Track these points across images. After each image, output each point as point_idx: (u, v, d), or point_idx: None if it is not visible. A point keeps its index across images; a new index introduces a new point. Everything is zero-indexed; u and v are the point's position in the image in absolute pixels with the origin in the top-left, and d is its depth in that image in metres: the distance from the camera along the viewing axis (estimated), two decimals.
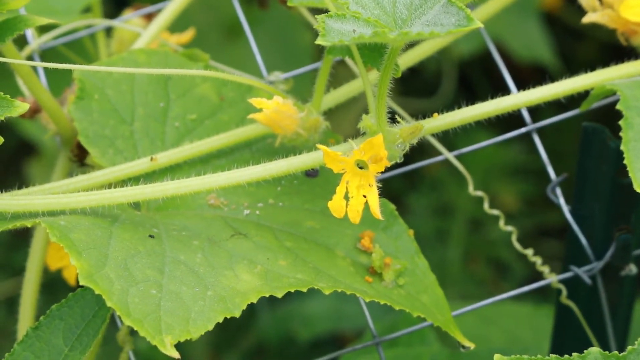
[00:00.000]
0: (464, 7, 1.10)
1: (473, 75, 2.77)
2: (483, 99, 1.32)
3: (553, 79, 1.35)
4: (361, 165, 1.20)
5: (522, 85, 1.44)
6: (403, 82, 1.24)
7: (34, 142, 2.41)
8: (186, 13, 1.55)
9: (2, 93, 1.19)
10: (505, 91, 1.43)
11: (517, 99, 1.30)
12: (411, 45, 1.39)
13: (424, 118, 1.29)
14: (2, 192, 1.26)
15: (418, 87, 2.67)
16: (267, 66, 1.49)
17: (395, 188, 2.53)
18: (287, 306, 2.36)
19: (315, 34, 1.13)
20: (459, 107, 1.31)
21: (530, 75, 2.68)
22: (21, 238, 2.62)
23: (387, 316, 1.91)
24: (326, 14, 1.14)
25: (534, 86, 1.33)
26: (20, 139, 2.40)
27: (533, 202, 2.67)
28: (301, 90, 1.51)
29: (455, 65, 2.65)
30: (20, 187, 1.29)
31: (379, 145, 1.17)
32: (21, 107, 1.18)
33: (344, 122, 2.35)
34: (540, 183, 2.65)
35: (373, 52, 1.26)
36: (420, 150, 1.29)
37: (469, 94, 2.75)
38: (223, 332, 2.48)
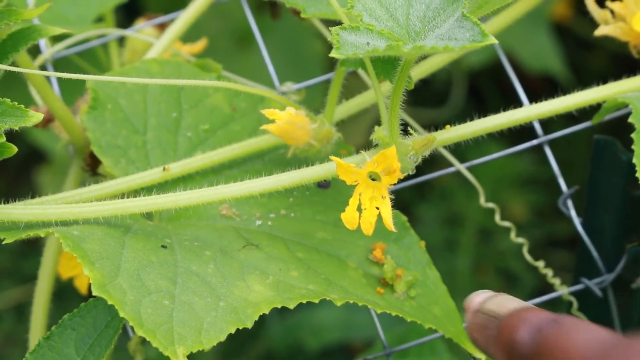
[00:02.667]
0: (478, 22, 1.10)
1: (482, 84, 2.77)
2: (493, 109, 1.32)
3: (564, 89, 1.35)
4: (374, 177, 1.20)
5: (532, 96, 1.44)
6: (412, 92, 1.24)
7: (44, 150, 2.41)
8: (196, 22, 1.56)
9: (16, 103, 1.19)
10: (516, 101, 1.43)
11: (529, 112, 1.30)
12: (424, 57, 1.39)
13: (434, 128, 1.29)
14: (14, 201, 1.26)
15: (427, 97, 2.67)
16: (277, 75, 1.50)
17: (404, 198, 2.54)
18: (296, 315, 2.36)
19: (326, 44, 1.14)
20: (469, 117, 1.31)
21: (540, 85, 2.68)
22: (30, 246, 2.62)
23: (397, 326, 1.91)
24: (340, 26, 1.14)
25: (544, 97, 1.33)
26: (30, 146, 2.41)
27: (542, 213, 2.67)
28: (312, 100, 1.51)
29: (465, 75, 2.65)
30: (30, 195, 1.30)
31: (392, 157, 1.18)
32: (35, 116, 1.18)
33: (354, 133, 2.36)
34: (550, 193, 2.65)
35: (386, 64, 1.26)
36: (430, 160, 1.29)
37: (479, 104, 2.75)
38: (232, 341, 2.48)
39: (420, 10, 1.19)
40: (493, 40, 1.09)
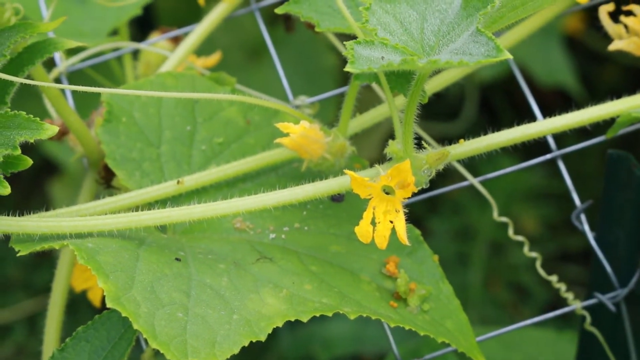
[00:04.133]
0: (493, 37, 1.10)
1: (494, 97, 2.77)
2: (505, 122, 1.32)
3: (576, 103, 1.35)
4: (387, 191, 1.20)
5: (544, 109, 1.45)
6: (423, 105, 1.24)
7: (57, 162, 2.42)
8: (209, 35, 1.56)
9: (32, 115, 1.20)
10: (528, 114, 1.43)
11: (543, 126, 1.30)
12: (437, 71, 1.39)
13: (447, 142, 1.29)
14: (27, 213, 1.27)
15: (438, 111, 2.67)
16: (290, 88, 1.50)
17: (416, 211, 2.53)
18: (307, 328, 2.36)
19: (339, 57, 1.14)
20: (480, 131, 1.31)
21: (552, 98, 2.68)
22: (42, 258, 2.63)
23: (409, 340, 1.91)
24: (354, 40, 1.14)
25: (556, 110, 1.33)
26: (43, 158, 2.41)
27: (554, 227, 2.66)
28: (325, 114, 1.51)
29: (476, 88, 2.65)
30: (43, 207, 1.30)
31: (407, 171, 1.18)
32: (50, 129, 1.19)
33: (366, 146, 2.36)
34: (562, 207, 2.64)
35: (400, 78, 1.26)
36: (442, 173, 1.29)
37: (490, 117, 2.75)
38: (244, 353, 2.48)
39: (435, 24, 1.19)
40: (508, 56, 1.09)
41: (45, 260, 2.64)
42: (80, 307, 2.47)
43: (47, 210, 1.30)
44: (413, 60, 1.11)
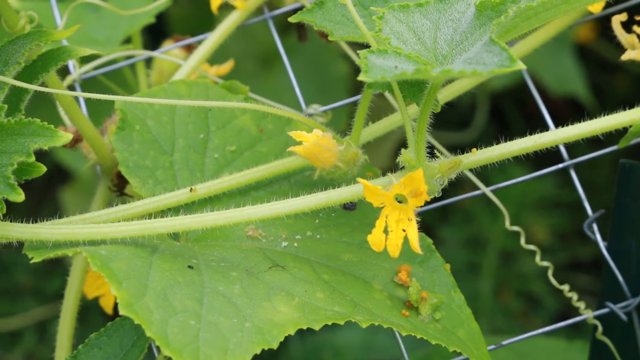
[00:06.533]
0: (506, 48, 1.10)
1: (504, 107, 2.77)
2: (515, 131, 1.32)
3: (588, 112, 1.35)
4: (400, 199, 1.21)
5: (555, 118, 1.45)
6: (434, 115, 1.25)
7: (69, 169, 2.42)
8: (221, 43, 1.56)
9: (46, 123, 1.20)
10: (538, 123, 1.43)
11: (556, 135, 1.30)
12: (450, 80, 1.39)
13: (458, 151, 1.29)
14: (40, 220, 1.27)
15: (449, 119, 2.68)
16: (302, 96, 1.50)
17: (427, 220, 2.53)
18: (318, 336, 2.36)
19: (351, 65, 1.14)
20: (490, 140, 1.31)
21: (563, 107, 2.68)
22: (53, 265, 2.63)
23: (420, 349, 1.91)
24: (368, 49, 1.15)
25: (567, 119, 1.33)
26: (55, 165, 2.42)
27: (564, 236, 2.66)
28: (337, 122, 1.51)
29: (487, 97, 2.65)
30: (54, 214, 1.30)
31: (420, 180, 1.18)
32: (64, 137, 1.19)
33: (377, 155, 2.36)
34: (572, 216, 2.64)
35: (412, 87, 1.27)
36: (453, 182, 1.29)
37: (500, 126, 2.75)
38: None
39: (448, 33, 1.19)
40: (522, 66, 1.09)
41: (56, 268, 2.64)
42: (90, 315, 2.47)
43: (59, 217, 1.30)
44: (426, 70, 1.11)
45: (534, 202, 2.58)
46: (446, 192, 1.29)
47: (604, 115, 1.32)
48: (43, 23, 1.55)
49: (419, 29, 1.20)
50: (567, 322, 1.42)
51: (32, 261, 1.22)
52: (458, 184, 1.58)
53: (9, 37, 1.29)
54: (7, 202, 1.20)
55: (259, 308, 1.21)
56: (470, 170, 1.36)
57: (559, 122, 1.34)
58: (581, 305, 1.42)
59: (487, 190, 1.44)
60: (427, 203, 1.29)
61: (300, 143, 1.29)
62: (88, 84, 1.59)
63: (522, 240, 1.44)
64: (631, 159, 1.42)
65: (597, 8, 1.41)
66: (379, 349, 2.33)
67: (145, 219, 1.27)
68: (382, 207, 1.21)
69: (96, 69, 1.58)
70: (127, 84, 1.65)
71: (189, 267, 1.24)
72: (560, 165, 1.45)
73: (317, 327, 1.22)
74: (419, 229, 1.21)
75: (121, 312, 1.15)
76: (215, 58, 1.59)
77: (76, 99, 1.45)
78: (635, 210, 1.41)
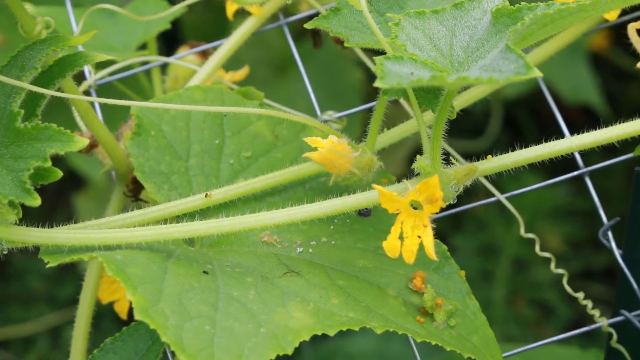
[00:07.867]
0: (523, 55, 1.10)
1: (518, 114, 2.77)
2: (529, 138, 1.32)
3: (603, 121, 1.35)
4: (415, 206, 1.21)
5: (569, 126, 1.45)
6: (448, 122, 1.25)
7: (83, 174, 2.43)
8: (236, 50, 1.57)
9: (62, 128, 1.20)
10: (553, 131, 1.43)
11: (572, 143, 1.30)
12: (465, 87, 1.39)
13: (472, 158, 1.29)
14: (54, 225, 1.27)
15: (462, 127, 2.68)
16: (316, 103, 1.51)
17: (440, 227, 2.53)
18: (330, 342, 2.36)
19: (365, 72, 1.14)
20: (504, 147, 1.31)
21: (577, 115, 2.68)
22: (66, 271, 2.64)
23: (433, 355, 1.91)
24: (384, 55, 1.15)
25: (581, 127, 1.33)
26: (69, 170, 2.42)
27: (577, 244, 2.66)
28: (351, 128, 1.51)
29: (501, 105, 2.65)
30: (68, 219, 1.31)
31: (435, 187, 1.18)
32: (81, 142, 1.20)
33: (391, 162, 2.36)
34: (585, 225, 2.64)
35: (428, 94, 1.27)
36: (466, 189, 1.29)
37: (514, 134, 2.75)
38: None
39: (464, 40, 1.20)
40: (538, 73, 1.09)
41: (68, 274, 2.65)
42: (103, 320, 2.48)
43: (74, 222, 1.30)
44: (442, 77, 1.11)
45: (547, 210, 2.58)
46: (460, 200, 1.29)
47: (619, 123, 1.32)
48: (59, 29, 1.55)
49: (435, 36, 1.20)
50: (582, 329, 1.42)
51: (47, 266, 1.22)
52: (472, 192, 1.58)
53: (26, 42, 1.30)
54: (22, 206, 1.20)
55: (274, 314, 1.21)
56: (486, 177, 1.36)
57: (573, 131, 1.34)
58: (596, 313, 1.42)
59: (502, 197, 1.44)
60: (441, 210, 1.29)
61: (315, 149, 1.29)
62: (103, 89, 1.59)
63: (537, 248, 1.44)
64: None
65: (612, 16, 1.41)
66: (392, 356, 2.32)
67: (161, 224, 1.28)
68: (398, 214, 1.21)
69: (112, 75, 1.58)
70: (143, 90, 1.66)
71: (204, 272, 1.24)
72: (576, 173, 1.45)
73: (331, 333, 1.22)
74: (433, 236, 1.21)
75: (136, 317, 1.15)
76: (230, 65, 1.60)
77: (92, 104, 1.45)
78: None
